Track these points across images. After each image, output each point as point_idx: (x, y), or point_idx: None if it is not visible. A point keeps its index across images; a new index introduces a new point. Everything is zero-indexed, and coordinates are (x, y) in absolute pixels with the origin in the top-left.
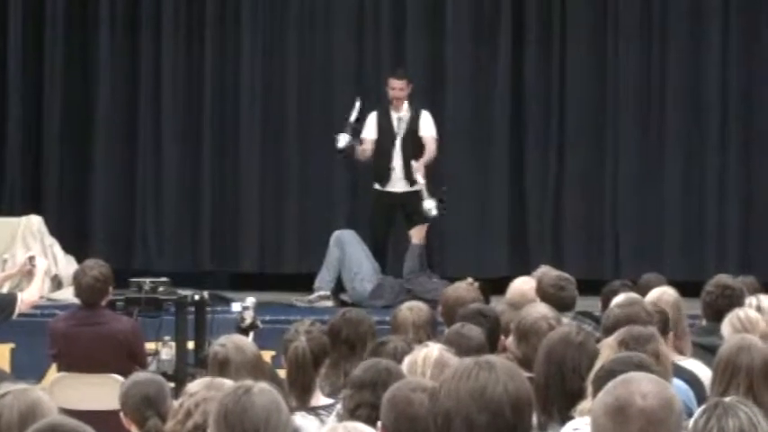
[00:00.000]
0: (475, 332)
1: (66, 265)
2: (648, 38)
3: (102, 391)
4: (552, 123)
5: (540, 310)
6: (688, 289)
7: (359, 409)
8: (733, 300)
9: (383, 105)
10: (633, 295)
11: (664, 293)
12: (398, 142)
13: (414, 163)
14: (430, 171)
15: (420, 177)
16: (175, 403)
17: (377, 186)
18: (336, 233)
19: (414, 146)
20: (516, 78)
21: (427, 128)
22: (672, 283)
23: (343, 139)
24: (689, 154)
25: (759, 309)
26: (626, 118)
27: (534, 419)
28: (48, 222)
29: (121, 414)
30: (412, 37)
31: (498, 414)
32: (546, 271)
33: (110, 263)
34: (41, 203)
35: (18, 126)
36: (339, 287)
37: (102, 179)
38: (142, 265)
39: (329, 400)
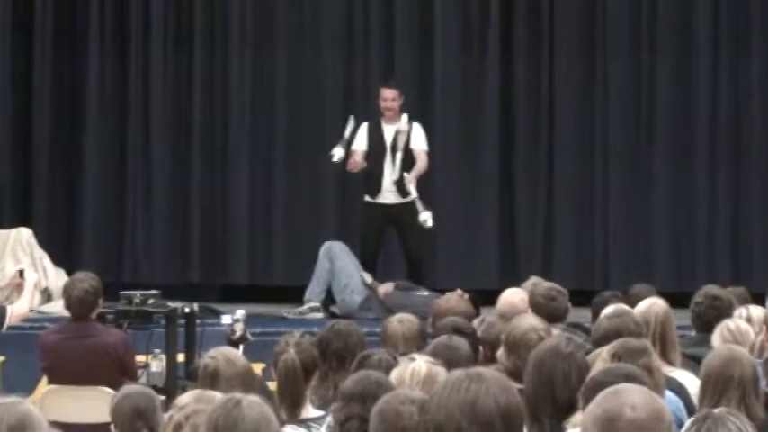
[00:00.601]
0: (462, 343)
1: (56, 278)
2: (638, 49)
3: (92, 404)
4: (542, 135)
5: (530, 321)
6: (678, 300)
7: (348, 422)
8: (722, 310)
9: (375, 117)
10: (622, 306)
11: (653, 304)
12: (389, 155)
13: (406, 175)
14: (421, 184)
15: (413, 189)
16: (165, 416)
17: (367, 198)
18: (326, 245)
19: (405, 158)
20: (505, 91)
21: (418, 141)
22: (661, 293)
23: (337, 154)
24: (678, 164)
25: (749, 319)
26: (615, 129)
27: (525, 431)
28: (37, 235)
29: (112, 427)
30: (401, 49)
31: (489, 426)
32: (537, 282)
33: (100, 275)
34: (31, 216)
35: (7, 139)
36: (329, 299)
37: (92, 192)
38: (132, 278)
39: (319, 413)
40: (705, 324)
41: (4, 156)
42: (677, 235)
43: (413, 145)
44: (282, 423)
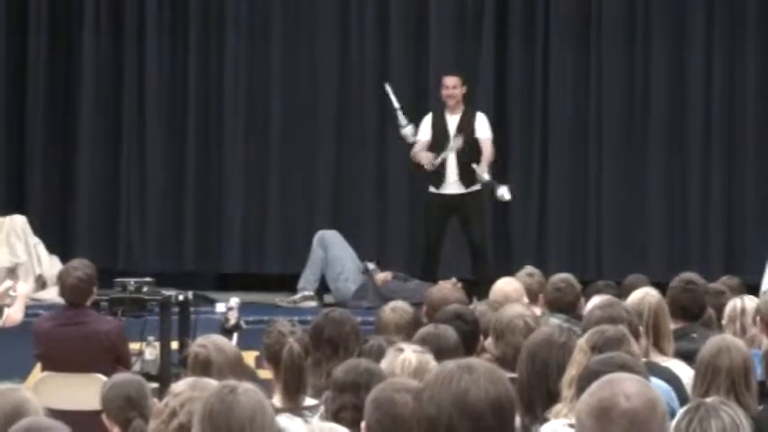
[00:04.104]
0: (450, 332)
1: (51, 265)
2: (632, 39)
3: (86, 392)
4: (535, 126)
5: (516, 309)
6: None
7: (342, 412)
8: (696, 295)
9: (438, 107)
10: (610, 297)
11: (646, 295)
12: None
13: (475, 166)
14: (489, 172)
15: (486, 174)
16: (161, 403)
17: (432, 189)
18: (320, 233)
19: (469, 148)
20: (499, 80)
21: (483, 129)
22: (655, 284)
23: (409, 133)
24: (672, 156)
25: (743, 311)
26: (610, 119)
27: (518, 420)
28: (32, 222)
29: (103, 416)
30: (396, 40)
31: (479, 419)
32: (531, 272)
33: (94, 263)
34: (25, 203)
35: (1, 126)
36: (323, 287)
37: (87, 179)
38: (126, 266)
39: (314, 401)
40: (678, 309)
41: None
42: (671, 226)
43: (477, 134)
44: (279, 411)
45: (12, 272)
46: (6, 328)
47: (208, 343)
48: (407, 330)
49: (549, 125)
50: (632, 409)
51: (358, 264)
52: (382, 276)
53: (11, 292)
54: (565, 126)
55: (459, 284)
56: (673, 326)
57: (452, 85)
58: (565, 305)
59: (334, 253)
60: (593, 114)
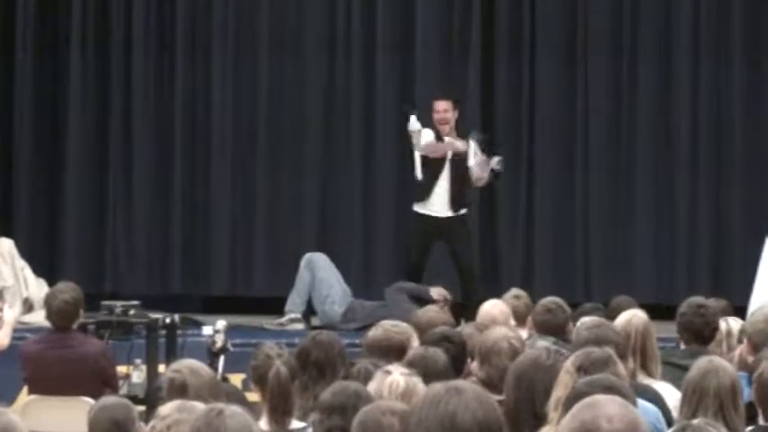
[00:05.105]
0: (439, 355)
1: (38, 289)
2: (619, 53)
3: (73, 415)
4: (523, 146)
5: (501, 330)
6: (658, 312)
7: None
8: (707, 318)
9: (435, 128)
10: (598, 318)
11: (634, 317)
12: (447, 167)
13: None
14: (475, 195)
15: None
16: (147, 427)
17: (418, 210)
18: (307, 256)
19: (461, 172)
20: (486, 96)
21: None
22: (642, 306)
23: (415, 121)
24: (660, 175)
25: (729, 333)
26: (596, 140)
27: None
28: (19, 245)
29: None
30: (382, 54)
31: None
32: (518, 294)
33: (81, 286)
34: (12, 226)
35: None
36: (310, 310)
37: (73, 202)
38: (113, 289)
39: (301, 424)
40: (692, 334)
41: None
42: (658, 247)
43: (470, 162)
44: None
45: None
46: None
47: (182, 367)
48: (397, 352)
49: (536, 143)
50: (615, 431)
51: (345, 287)
52: (436, 291)
53: (4, 312)
54: (552, 144)
55: (447, 305)
56: (682, 346)
57: (443, 109)
58: (553, 328)
59: (321, 275)
60: (580, 135)
